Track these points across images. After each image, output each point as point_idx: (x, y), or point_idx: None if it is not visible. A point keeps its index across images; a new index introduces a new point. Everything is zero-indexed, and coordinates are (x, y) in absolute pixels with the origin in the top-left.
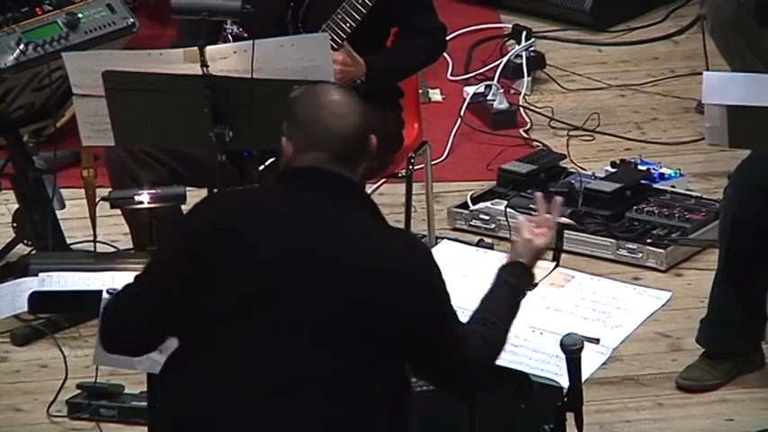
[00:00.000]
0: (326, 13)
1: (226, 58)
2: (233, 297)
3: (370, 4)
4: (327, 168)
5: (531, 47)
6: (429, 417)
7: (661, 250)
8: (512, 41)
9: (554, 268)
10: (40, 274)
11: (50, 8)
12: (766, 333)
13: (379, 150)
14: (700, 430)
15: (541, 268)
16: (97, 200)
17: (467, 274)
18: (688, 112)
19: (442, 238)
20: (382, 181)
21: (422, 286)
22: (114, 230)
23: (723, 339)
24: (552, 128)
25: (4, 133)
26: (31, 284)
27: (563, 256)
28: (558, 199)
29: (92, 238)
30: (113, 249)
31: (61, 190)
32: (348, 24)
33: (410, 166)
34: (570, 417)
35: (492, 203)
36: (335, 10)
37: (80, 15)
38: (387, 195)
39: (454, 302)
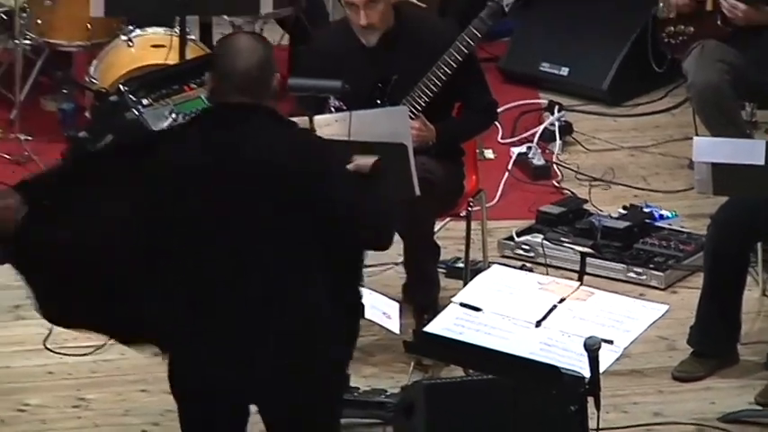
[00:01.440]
0: (406, 90)
1: (329, 125)
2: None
3: (440, 84)
4: (234, 101)
5: (561, 117)
6: (477, 400)
7: (661, 273)
8: (547, 113)
9: (578, 287)
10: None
11: (195, 86)
12: (740, 336)
13: (446, 196)
14: (690, 411)
15: (568, 286)
16: None
17: (512, 291)
18: (682, 168)
19: (494, 263)
20: (448, 219)
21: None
22: None
23: (707, 342)
24: (578, 179)
25: None
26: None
27: (585, 277)
28: None
29: None
30: None
31: None
32: (423, 99)
33: (469, 208)
34: (590, 400)
35: (532, 237)
36: (413, 88)
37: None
38: (452, 231)
39: (502, 312)
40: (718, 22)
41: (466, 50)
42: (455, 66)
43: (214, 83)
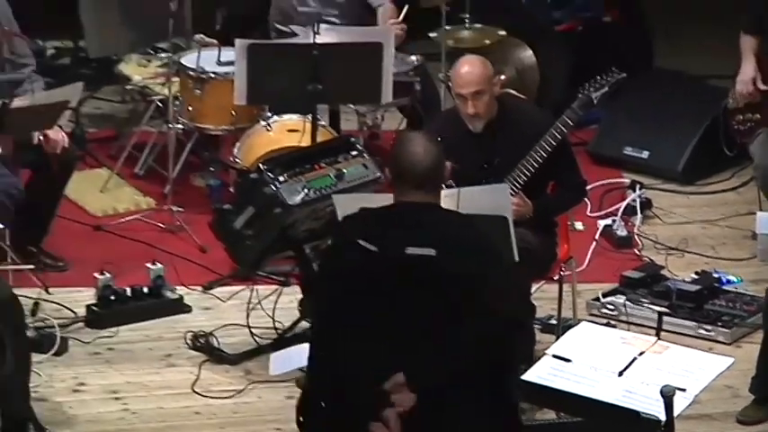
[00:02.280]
0: (507, 171)
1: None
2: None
3: (537, 165)
4: (414, 201)
5: (642, 194)
6: None
7: (727, 330)
8: (630, 191)
9: (656, 341)
10: None
11: (324, 165)
12: None
13: (541, 262)
14: None
15: (647, 340)
16: None
17: (598, 345)
18: (746, 239)
19: (582, 321)
20: (543, 282)
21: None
22: None
23: (765, 389)
24: (656, 248)
25: (294, 249)
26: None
27: (661, 333)
28: None
29: None
30: None
31: None
32: (522, 179)
33: (561, 273)
34: None
35: (615, 298)
36: (513, 169)
37: (344, 171)
38: (546, 292)
39: (589, 363)
40: None
41: (559, 137)
42: (550, 150)
43: (393, 180)
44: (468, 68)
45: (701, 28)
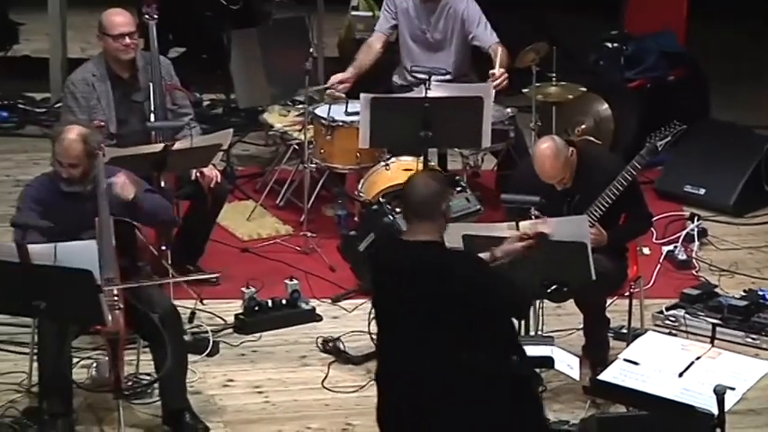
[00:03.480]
0: (586, 205)
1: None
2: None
3: (611, 201)
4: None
5: (699, 225)
6: (636, 429)
7: None
8: (689, 222)
9: (710, 348)
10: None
11: None
12: None
13: (614, 281)
14: None
15: (703, 347)
16: None
17: (662, 351)
18: None
19: (648, 330)
20: (615, 298)
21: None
22: None
23: None
24: (711, 270)
25: None
26: None
27: (715, 341)
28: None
29: None
30: None
31: None
32: (598, 212)
33: (631, 290)
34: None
35: (677, 311)
36: (591, 204)
37: (450, 204)
38: (618, 306)
39: (654, 366)
40: None
41: (630, 178)
42: (622, 189)
43: (402, 209)
44: (549, 164)
45: (749, 85)
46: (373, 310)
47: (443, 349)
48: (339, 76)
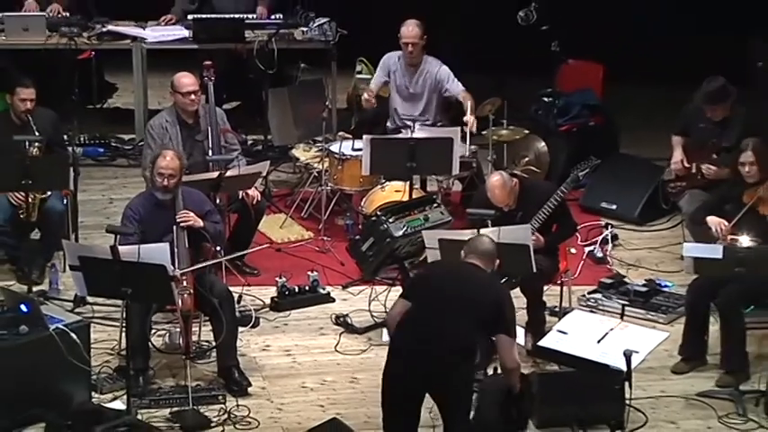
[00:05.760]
0: (527, 220)
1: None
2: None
3: (546, 216)
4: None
5: (612, 232)
6: (566, 383)
7: (665, 315)
8: (604, 229)
9: (620, 322)
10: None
11: (417, 212)
12: (707, 349)
13: (549, 274)
14: (679, 390)
15: (615, 322)
16: None
17: (585, 324)
18: (677, 259)
19: (574, 309)
20: (550, 285)
21: (496, 300)
22: None
23: (689, 351)
24: (621, 265)
25: (398, 263)
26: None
27: (624, 317)
28: None
29: None
30: None
31: None
32: (537, 224)
33: (561, 280)
34: (626, 384)
35: (596, 295)
36: (532, 219)
37: (429, 216)
38: (553, 291)
39: (579, 335)
40: (699, 177)
41: (560, 198)
42: (554, 206)
43: (464, 250)
44: (498, 193)
45: (649, 128)
46: (411, 289)
47: (455, 324)
48: (366, 96)
